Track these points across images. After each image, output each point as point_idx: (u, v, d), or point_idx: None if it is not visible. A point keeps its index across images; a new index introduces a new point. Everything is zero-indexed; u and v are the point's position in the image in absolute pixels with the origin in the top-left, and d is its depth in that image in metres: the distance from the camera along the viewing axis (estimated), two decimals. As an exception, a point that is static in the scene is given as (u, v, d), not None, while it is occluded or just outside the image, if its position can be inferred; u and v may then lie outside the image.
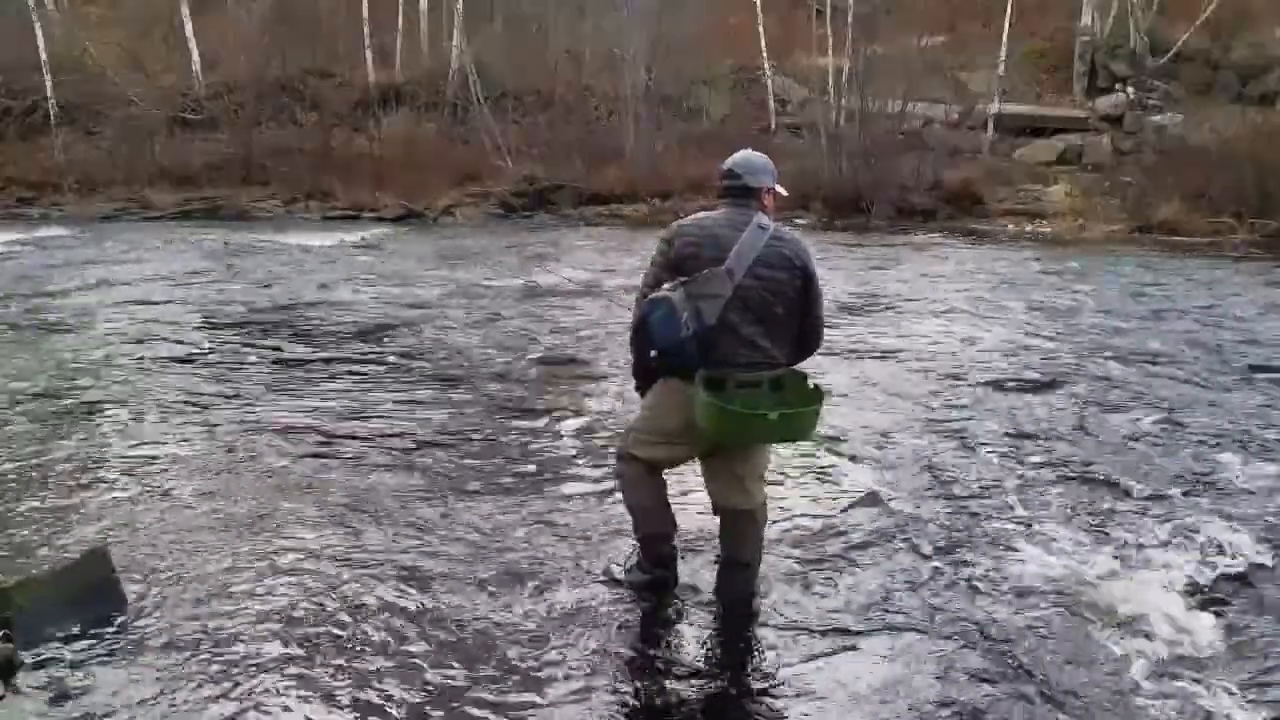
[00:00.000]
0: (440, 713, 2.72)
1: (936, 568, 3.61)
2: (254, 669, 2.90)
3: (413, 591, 3.40)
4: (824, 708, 2.76)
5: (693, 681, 2.92)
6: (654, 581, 3.39)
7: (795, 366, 3.18)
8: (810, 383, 3.13)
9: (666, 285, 3.00)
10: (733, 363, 3.01)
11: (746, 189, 3.15)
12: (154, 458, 4.81)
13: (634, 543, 3.46)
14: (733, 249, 3.01)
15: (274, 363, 6.94)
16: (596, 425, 5.36)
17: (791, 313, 3.12)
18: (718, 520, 3.35)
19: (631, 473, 3.31)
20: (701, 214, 3.19)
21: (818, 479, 4.51)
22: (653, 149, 20.46)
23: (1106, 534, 3.91)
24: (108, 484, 4.44)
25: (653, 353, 3.10)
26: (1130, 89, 21.38)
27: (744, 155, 3.22)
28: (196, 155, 21.24)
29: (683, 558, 3.54)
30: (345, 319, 8.61)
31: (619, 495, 3.52)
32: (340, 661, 2.95)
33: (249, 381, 6.37)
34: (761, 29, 22.97)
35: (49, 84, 22.04)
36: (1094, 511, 4.15)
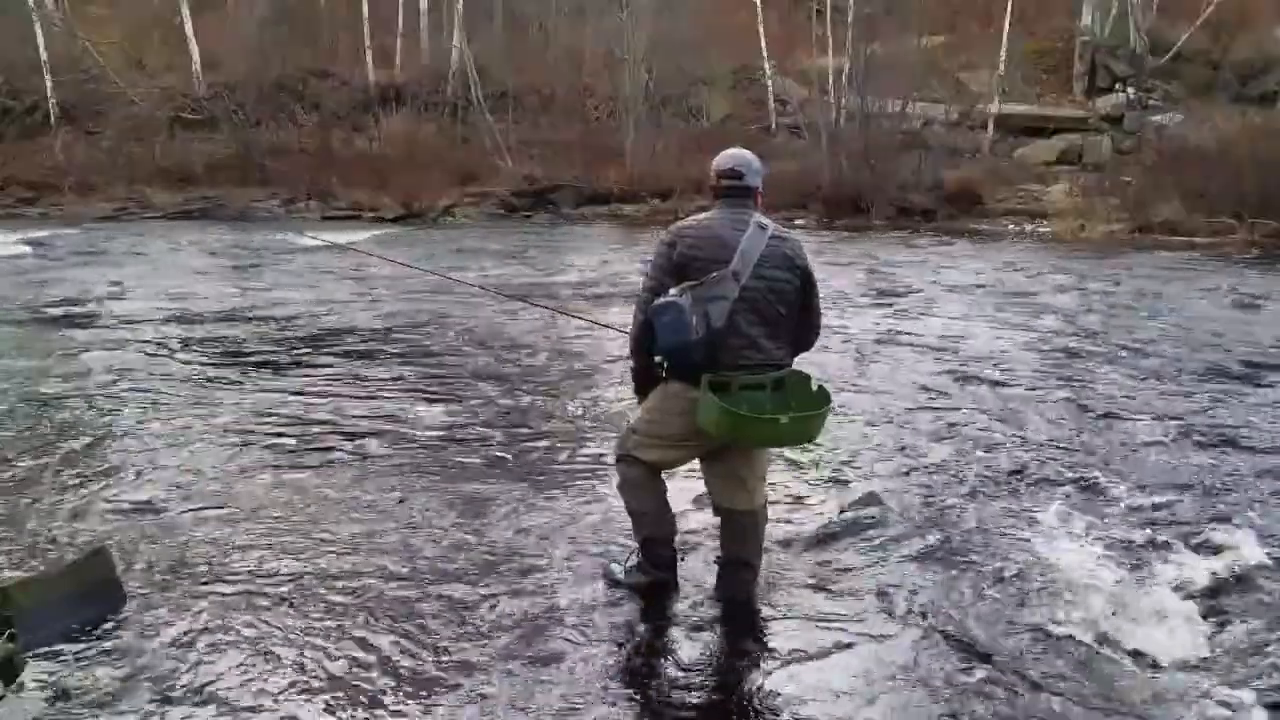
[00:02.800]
0: (439, 711, 2.72)
1: (936, 568, 3.61)
2: (255, 668, 2.90)
3: (413, 590, 3.40)
4: (824, 707, 2.76)
5: (693, 682, 2.92)
6: (654, 583, 3.39)
7: (792, 365, 3.18)
8: (814, 384, 3.13)
9: (673, 289, 2.97)
10: (738, 364, 3.00)
11: (747, 189, 3.13)
12: (154, 456, 4.81)
13: (634, 544, 3.46)
14: (737, 250, 2.99)
15: (274, 361, 6.94)
16: (596, 424, 5.36)
17: (792, 312, 3.12)
18: (718, 521, 3.35)
19: (632, 475, 3.30)
20: (701, 215, 3.16)
21: (817, 479, 4.51)
22: (653, 149, 20.48)
23: (1106, 534, 3.91)
24: (108, 483, 4.44)
25: (658, 358, 3.10)
26: (1130, 89, 21.40)
27: (740, 154, 3.18)
28: (196, 155, 21.29)
29: (682, 558, 3.54)
30: (345, 319, 8.62)
31: (619, 496, 3.52)
32: (341, 660, 2.95)
33: (249, 380, 6.37)
34: (761, 29, 22.99)
35: (49, 84, 22.07)
36: (1093, 511, 4.15)
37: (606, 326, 4.85)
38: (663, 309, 2.94)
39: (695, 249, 3.02)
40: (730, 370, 2.99)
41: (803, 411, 3.00)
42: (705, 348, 2.94)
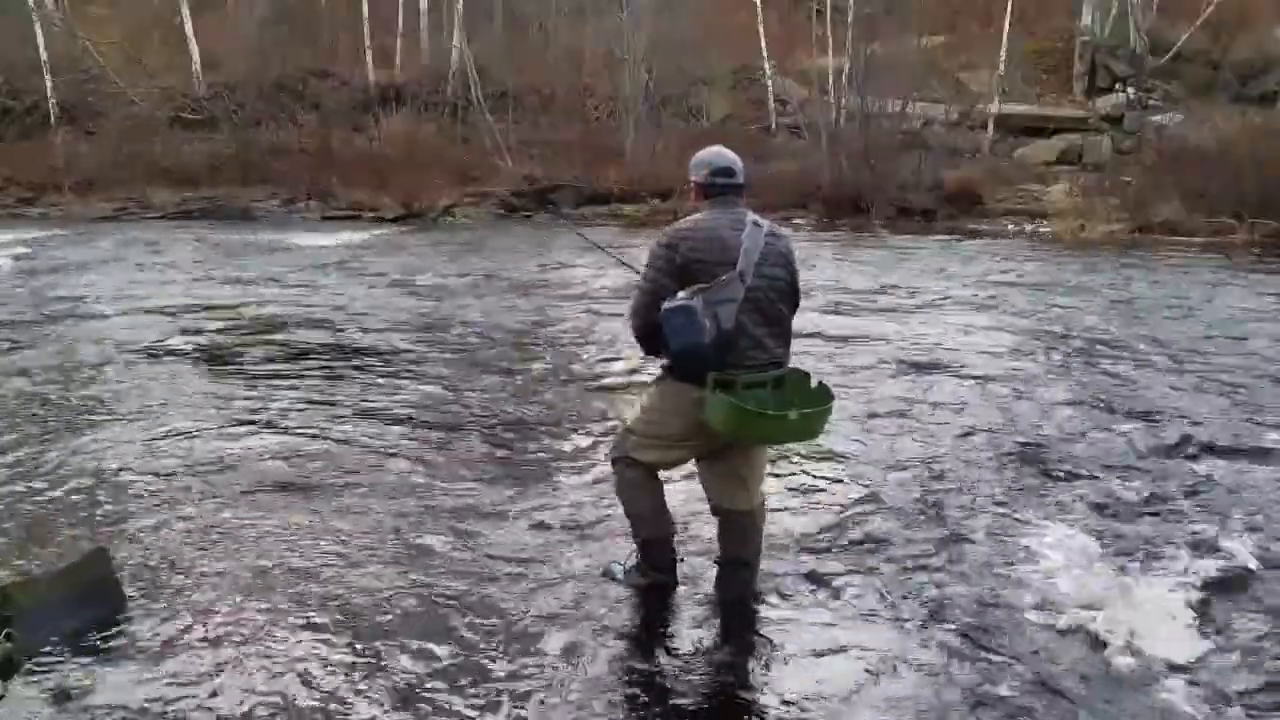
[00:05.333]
0: (437, 710, 2.72)
1: (935, 567, 3.61)
2: (254, 668, 2.91)
3: (410, 589, 3.40)
4: (824, 707, 2.77)
5: (693, 681, 2.92)
6: (653, 585, 3.39)
7: (789, 362, 3.19)
8: (813, 380, 3.14)
9: (682, 293, 2.94)
10: (744, 364, 3.01)
11: (740, 187, 3.12)
12: (154, 457, 4.82)
13: (633, 544, 3.46)
14: (740, 251, 2.98)
15: (273, 362, 6.94)
16: (597, 422, 5.36)
17: (789, 309, 3.15)
18: (716, 520, 3.35)
19: (631, 476, 3.30)
20: (696, 217, 3.12)
21: (817, 479, 4.51)
22: (652, 149, 20.46)
23: (1104, 533, 3.91)
24: (108, 483, 4.44)
25: (663, 362, 3.09)
26: (1130, 89, 21.39)
27: (727, 152, 3.15)
28: (196, 155, 21.26)
29: (681, 559, 3.54)
30: (345, 318, 8.61)
31: (617, 498, 3.52)
32: (338, 659, 2.96)
33: (249, 380, 6.38)
34: (761, 29, 22.98)
35: (49, 84, 22.05)
36: (1092, 511, 4.15)
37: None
38: (675, 312, 2.92)
39: (698, 252, 3.00)
40: (738, 370, 2.99)
41: (808, 408, 3.01)
42: (715, 349, 2.93)
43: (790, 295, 3.14)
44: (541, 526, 3.96)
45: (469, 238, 16.05)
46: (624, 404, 5.55)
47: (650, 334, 3.07)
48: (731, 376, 2.97)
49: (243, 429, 5.28)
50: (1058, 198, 17.76)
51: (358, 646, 3.04)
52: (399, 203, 19.35)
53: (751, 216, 3.07)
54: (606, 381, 6.32)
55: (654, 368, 3.44)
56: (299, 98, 23.22)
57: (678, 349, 2.97)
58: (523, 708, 2.73)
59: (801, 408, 3.01)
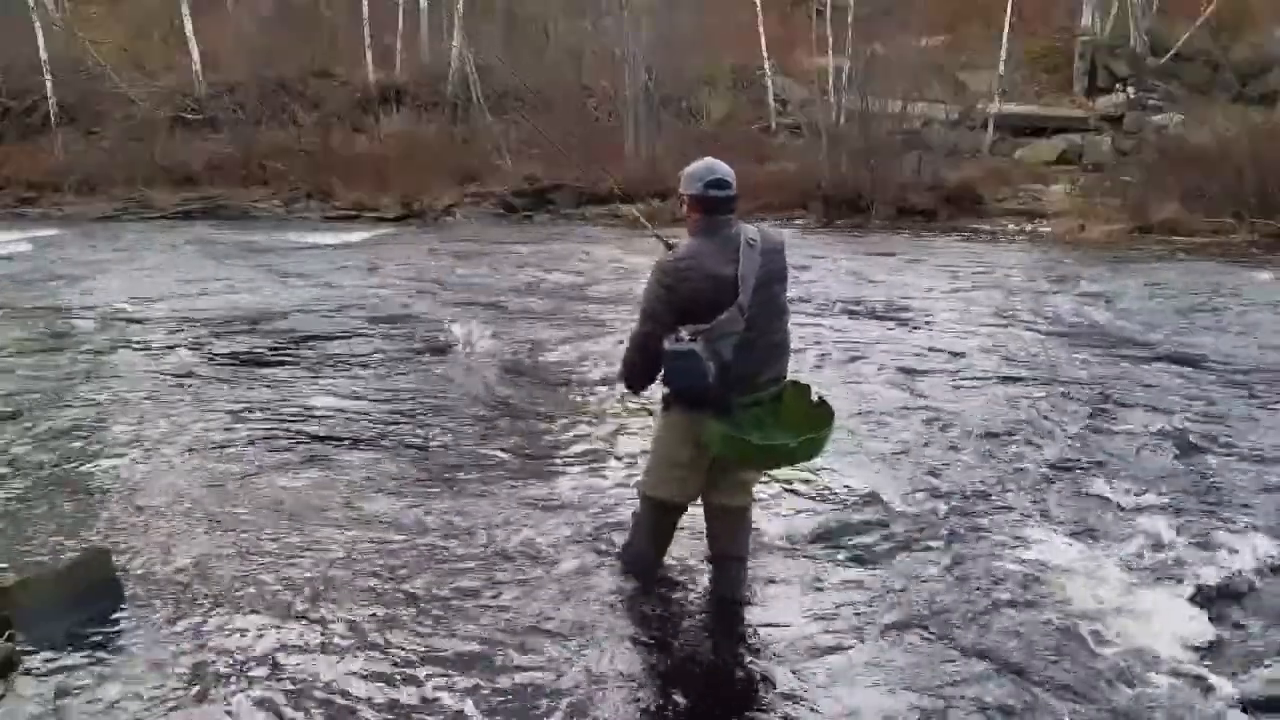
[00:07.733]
0: (436, 709, 2.72)
1: (935, 568, 3.62)
2: (254, 669, 2.91)
3: (413, 590, 3.40)
4: (823, 706, 2.77)
5: (688, 679, 2.92)
6: (641, 576, 3.47)
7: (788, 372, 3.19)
8: (814, 395, 3.14)
9: (684, 332, 2.91)
10: (747, 388, 3.01)
11: (733, 199, 3.04)
12: (154, 456, 4.82)
13: (631, 537, 3.49)
14: (739, 283, 2.93)
15: (274, 362, 6.94)
16: (599, 421, 5.36)
17: (785, 316, 3.14)
18: (706, 517, 3.37)
19: (647, 516, 3.34)
20: (691, 245, 3.03)
21: (817, 479, 4.51)
22: (653, 149, 20.46)
23: (1106, 535, 3.92)
24: (108, 484, 4.44)
25: (666, 389, 3.10)
26: (1130, 89, 21.39)
27: (719, 164, 3.06)
28: (196, 155, 21.24)
29: (678, 555, 3.55)
30: (345, 318, 8.61)
31: (631, 525, 3.54)
32: (337, 659, 2.96)
33: (250, 381, 6.38)
34: (761, 29, 22.98)
35: (49, 84, 22.05)
36: (1094, 512, 4.16)
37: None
38: (678, 356, 2.91)
39: (699, 293, 2.95)
40: (740, 394, 3.00)
41: (807, 425, 3.02)
42: (716, 382, 2.93)
43: (785, 301, 3.14)
44: (539, 526, 3.96)
45: (469, 238, 16.05)
46: (622, 400, 5.56)
47: (647, 369, 3.10)
48: (729, 401, 2.98)
49: (244, 428, 5.28)
50: (1058, 198, 17.76)
51: (354, 645, 3.04)
52: (399, 203, 19.34)
53: (746, 235, 3.00)
54: (607, 380, 6.32)
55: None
56: (299, 98, 23.20)
57: (678, 389, 3.00)
58: (519, 707, 2.73)
59: (801, 421, 3.03)
